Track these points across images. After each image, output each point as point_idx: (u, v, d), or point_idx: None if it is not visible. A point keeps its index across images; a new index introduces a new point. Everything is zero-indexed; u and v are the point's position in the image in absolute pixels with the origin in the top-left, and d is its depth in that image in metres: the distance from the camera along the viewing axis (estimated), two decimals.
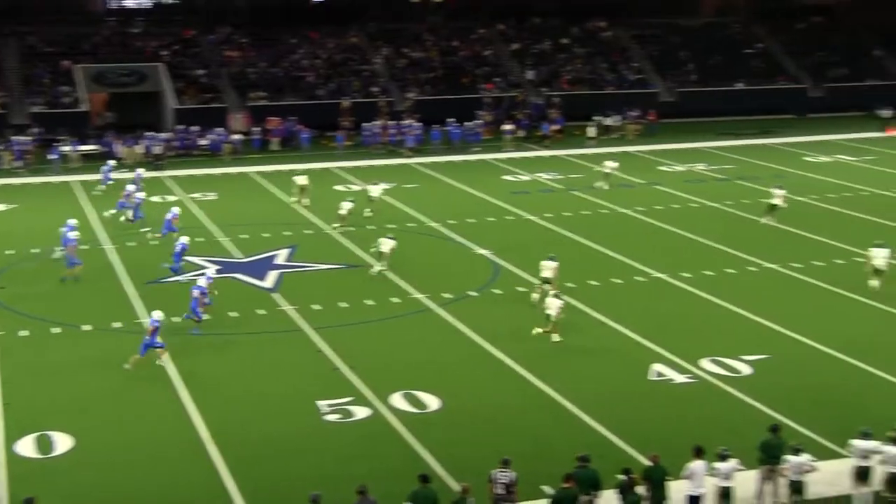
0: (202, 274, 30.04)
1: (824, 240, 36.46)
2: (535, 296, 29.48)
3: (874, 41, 74.15)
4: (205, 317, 28.10)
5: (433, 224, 39.39)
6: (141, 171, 44.77)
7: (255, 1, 71.20)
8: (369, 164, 51.89)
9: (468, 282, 32.11)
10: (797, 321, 28.04)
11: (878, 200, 42.97)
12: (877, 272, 30.91)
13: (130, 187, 39.91)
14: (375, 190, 41.39)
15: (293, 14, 70.52)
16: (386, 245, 32.76)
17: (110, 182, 45.02)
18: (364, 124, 57.54)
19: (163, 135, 54.99)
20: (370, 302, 30.16)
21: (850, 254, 34.56)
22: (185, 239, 32.99)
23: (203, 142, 55.12)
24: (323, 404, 22.98)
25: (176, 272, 32.08)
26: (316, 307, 29.55)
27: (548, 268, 29.97)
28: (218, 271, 32.71)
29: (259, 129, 57.68)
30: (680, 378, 24.38)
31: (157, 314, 25.50)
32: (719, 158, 53.64)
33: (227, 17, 68.90)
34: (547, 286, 29.21)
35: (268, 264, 33.84)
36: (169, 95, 60.07)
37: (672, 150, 56.07)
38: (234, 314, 29.01)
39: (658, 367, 25.02)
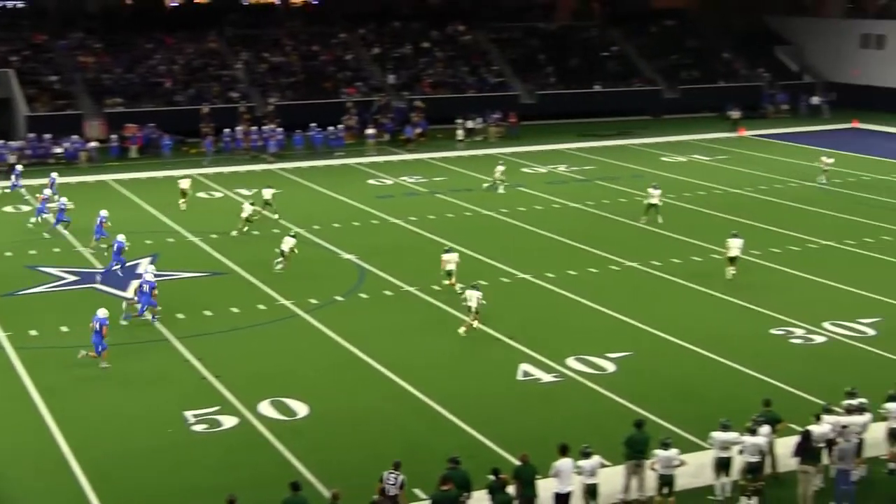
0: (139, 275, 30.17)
1: (682, 238, 37.45)
2: (460, 291, 29.45)
3: (724, 44, 76.56)
4: (147, 315, 28.63)
5: (298, 229, 39.03)
6: (55, 175, 44.84)
7: (108, 5, 69.57)
8: (232, 171, 51.19)
9: (335, 287, 31.97)
10: (658, 318, 28.75)
11: (731, 198, 44.35)
12: (731, 260, 32.32)
13: (47, 192, 40.52)
14: (267, 193, 41.38)
15: (147, 19, 69.12)
16: (287, 244, 33.36)
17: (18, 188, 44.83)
18: (225, 130, 56.75)
19: (14, 143, 53.32)
20: (235, 310, 29.76)
21: (707, 251, 35.59)
22: (121, 237, 33.17)
23: (58, 150, 53.60)
24: (190, 415, 22.60)
25: (119, 268, 32.67)
26: (180, 316, 29.03)
27: (450, 261, 30.74)
28: (77, 283, 31.88)
29: (116, 136, 56.37)
30: (547, 377, 24.73)
31: (103, 312, 25.43)
32: (579, 159, 54.63)
33: (79, 22, 67.06)
34: (448, 280, 30.20)
35: (129, 274, 33.08)
36: (20, 102, 58.18)
37: (533, 151, 56.87)
38: None
39: (525, 366, 25.33)
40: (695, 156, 55.63)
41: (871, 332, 27.65)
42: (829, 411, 19.80)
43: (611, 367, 25.27)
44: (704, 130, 63.63)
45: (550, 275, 32.91)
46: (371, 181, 49.08)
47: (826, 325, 28.10)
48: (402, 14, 74.38)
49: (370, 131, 57.64)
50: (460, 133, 59.22)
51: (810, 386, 23.65)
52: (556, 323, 28.79)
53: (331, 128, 57.89)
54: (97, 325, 25.31)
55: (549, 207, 42.94)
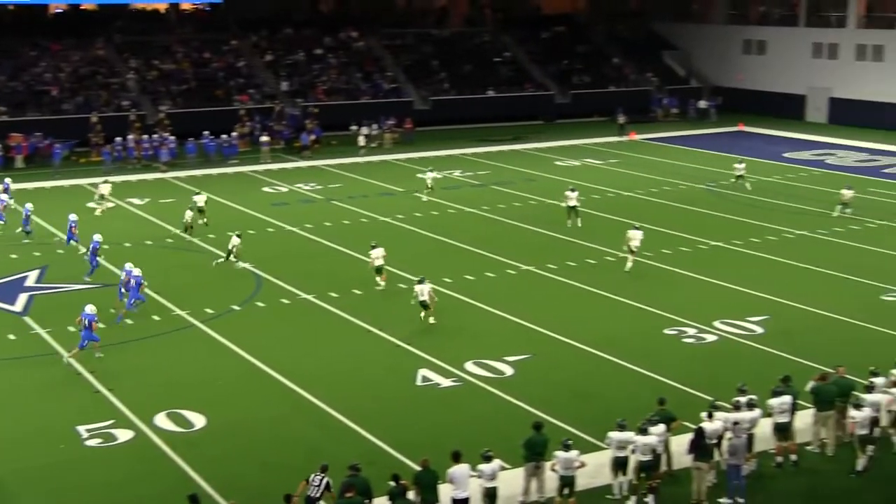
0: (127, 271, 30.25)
1: (577, 241, 37.92)
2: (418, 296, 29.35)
3: (614, 49, 77.84)
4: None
5: (192, 238, 38.55)
6: (8, 181, 45.27)
7: None
8: (123, 180, 50.21)
9: (231, 296, 31.63)
10: (555, 320, 29.07)
11: (624, 201, 45.08)
12: (631, 251, 33.68)
13: (3, 196, 41.15)
14: (200, 199, 41.07)
15: (31, 25, 67.48)
16: (231, 242, 34.55)
17: None
18: (117, 139, 55.67)
19: None
20: (129, 321, 29.23)
21: (602, 253, 36.13)
22: (97, 237, 33.72)
23: None
24: (83, 429, 22.11)
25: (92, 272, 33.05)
26: (72, 329, 28.35)
27: (378, 257, 31.62)
28: None
29: (1, 145, 54.90)
30: (446, 382, 24.81)
31: (91, 308, 26.14)
32: (474, 164, 54.97)
33: None
34: (379, 277, 31.33)
35: (17, 287, 32.26)
36: None
37: (429, 157, 57.03)
38: None
39: (424, 371, 25.39)
40: (587, 160, 56.40)
41: (759, 329, 28.35)
42: (716, 408, 20.27)
43: (509, 371, 25.45)
44: (596, 134, 64.65)
45: (448, 279, 33.03)
46: (266, 189, 48.67)
47: (717, 323, 28.73)
48: (295, 21, 73.97)
49: (264, 139, 57.14)
50: (362, 139, 58.99)
51: (703, 384, 24.16)
52: (454, 327, 28.88)
53: (224, 136, 57.27)
54: (86, 322, 25.94)
55: (445, 212, 43.09)
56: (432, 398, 23.96)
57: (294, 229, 40.46)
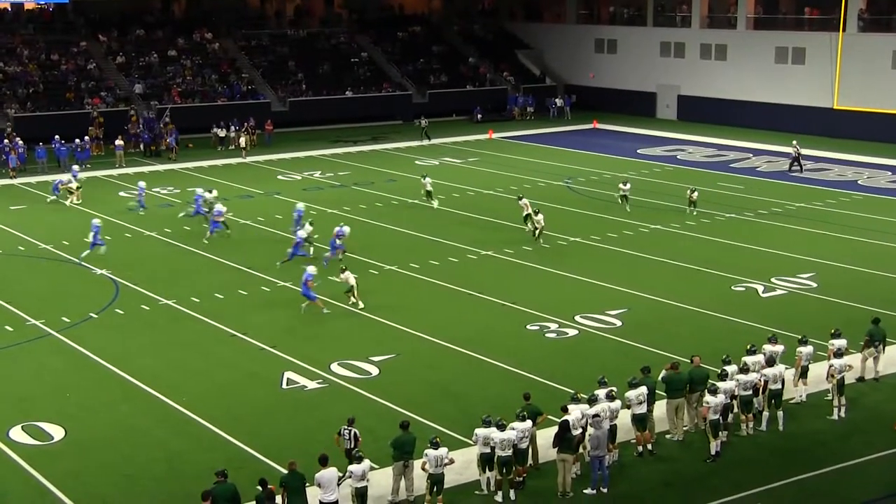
0: None
1: (440, 240, 38.09)
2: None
3: (469, 49, 78.53)
4: None
5: (46, 246, 37.43)
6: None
7: None
8: None
9: (89, 304, 30.82)
10: (420, 320, 29.18)
11: (484, 200, 45.52)
12: (525, 218, 37.78)
13: None
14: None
15: None
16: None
17: None
18: None
19: None
20: None
21: (463, 251, 36.41)
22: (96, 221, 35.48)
23: None
24: None
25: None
26: None
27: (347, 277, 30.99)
28: None
29: None
30: (311, 384, 24.65)
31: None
32: (334, 165, 54.76)
33: None
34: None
35: None
36: None
37: (288, 159, 56.63)
38: None
39: (289, 374, 25.18)
40: (446, 159, 56.78)
41: (618, 322, 28.97)
42: (576, 400, 20.65)
43: (374, 371, 25.43)
44: (455, 133, 65.15)
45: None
46: (122, 193, 47.54)
47: (578, 318, 29.23)
48: (146, 22, 72.42)
49: (118, 142, 55.74)
50: (243, 141, 58.03)
51: (565, 378, 24.56)
52: (319, 329, 28.74)
53: (77, 140, 55.67)
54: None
55: (307, 214, 42.76)
56: (298, 401, 23.78)
57: (152, 234, 39.65)
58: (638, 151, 58.66)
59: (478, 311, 30.49)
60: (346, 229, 35.58)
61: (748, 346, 22.95)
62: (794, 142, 52.52)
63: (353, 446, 19.34)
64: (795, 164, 51.37)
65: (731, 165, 53.92)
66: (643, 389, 20.93)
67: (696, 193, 42.61)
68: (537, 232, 37.47)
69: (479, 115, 70.36)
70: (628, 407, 20.93)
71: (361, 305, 30.24)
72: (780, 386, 22.04)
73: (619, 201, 42.98)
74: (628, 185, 43.53)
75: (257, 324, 28.87)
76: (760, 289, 32.09)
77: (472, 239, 37.04)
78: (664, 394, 21.86)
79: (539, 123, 70.06)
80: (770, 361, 22.28)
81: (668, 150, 59.09)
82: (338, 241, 35.33)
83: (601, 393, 20.71)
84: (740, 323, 28.81)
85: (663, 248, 37.05)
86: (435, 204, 43.24)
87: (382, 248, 36.91)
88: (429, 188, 43.49)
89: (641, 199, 44.97)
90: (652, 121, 70.41)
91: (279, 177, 51.21)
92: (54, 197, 45.20)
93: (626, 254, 36.50)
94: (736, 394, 21.41)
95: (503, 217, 40.44)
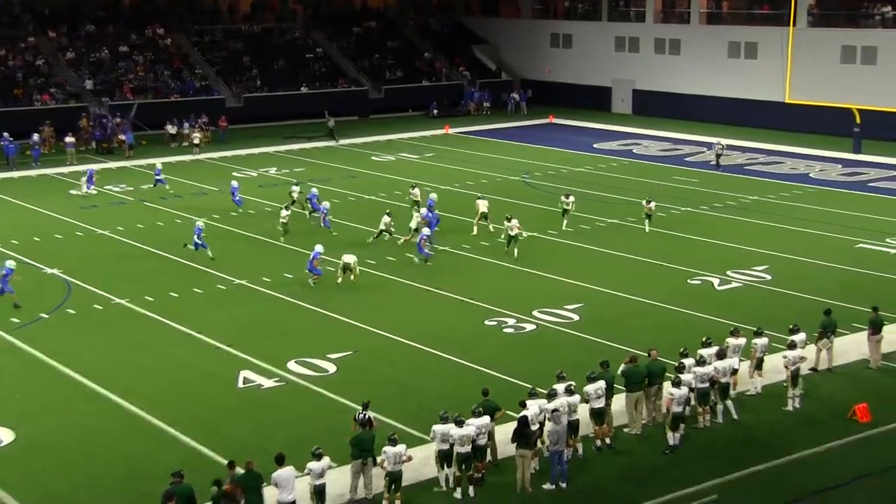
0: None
1: (398, 235, 38.02)
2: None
3: (425, 44, 78.47)
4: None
5: None
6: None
7: None
8: None
9: (39, 304, 30.46)
10: (377, 316, 29.14)
11: (441, 196, 45.34)
12: (484, 216, 37.96)
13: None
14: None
15: None
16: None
17: None
18: None
19: None
20: None
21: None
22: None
23: None
24: None
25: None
26: None
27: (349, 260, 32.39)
28: None
29: None
30: (268, 383, 24.54)
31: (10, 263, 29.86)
32: (290, 162, 54.53)
33: None
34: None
35: None
36: None
37: (243, 155, 56.32)
38: None
39: (245, 373, 25.05)
40: (403, 154, 56.72)
41: (575, 317, 29.09)
42: (534, 395, 20.72)
43: (332, 368, 25.37)
44: (411, 129, 65.09)
45: (267, 279, 32.72)
46: (73, 191, 47.02)
47: (535, 312, 29.32)
48: (97, 17, 71.68)
49: (69, 140, 55.10)
50: (196, 137, 57.55)
51: (525, 373, 24.62)
52: (274, 328, 28.61)
53: (35, 136, 54.92)
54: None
55: (263, 211, 42.62)
56: (255, 400, 23.65)
57: (105, 232, 39.26)
58: (594, 146, 58.89)
59: (435, 306, 30.49)
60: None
61: (704, 339, 23.16)
62: (718, 140, 52.81)
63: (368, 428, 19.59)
64: (716, 160, 51.73)
65: (687, 159, 54.28)
66: (601, 383, 21.04)
67: (652, 204, 39.13)
68: (510, 240, 35.25)
69: (436, 111, 70.37)
70: (587, 401, 21.02)
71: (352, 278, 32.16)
72: (727, 379, 22.24)
73: (561, 215, 39.24)
74: (571, 199, 39.44)
75: (213, 322, 28.68)
76: (716, 282, 32.35)
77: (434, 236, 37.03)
78: (623, 388, 21.98)
79: (495, 118, 70.16)
80: (720, 354, 22.49)
81: (624, 145, 59.39)
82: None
83: (560, 387, 20.78)
84: (697, 316, 29.01)
85: (619, 242, 37.23)
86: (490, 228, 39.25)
87: (341, 245, 36.76)
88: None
89: (597, 194, 45.18)
90: (608, 115, 70.73)
91: (234, 173, 50.88)
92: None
93: (583, 248, 36.65)
94: (693, 386, 21.58)
95: (460, 213, 40.43)
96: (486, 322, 28.76)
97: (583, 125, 66.97)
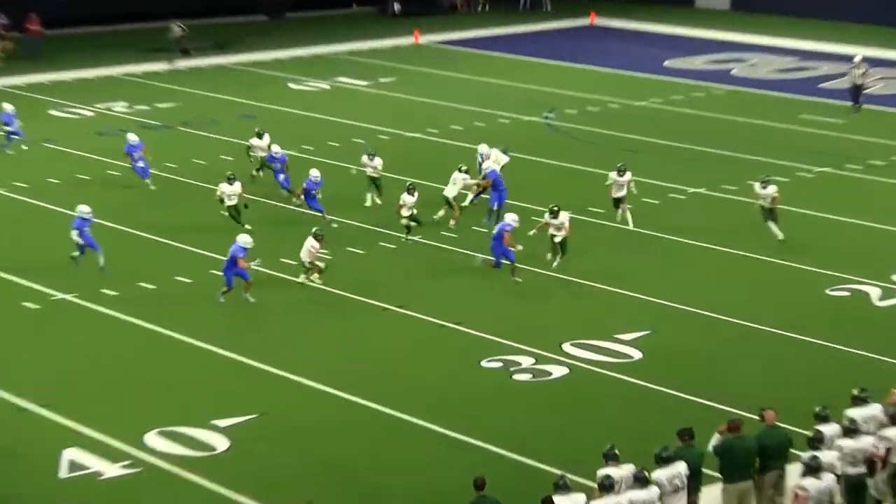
0: None
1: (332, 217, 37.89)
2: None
3: None
4: None
5: None
6: None
7: None
8: None
9: None
10: (291, 349, 29.14)
11: (401, 148, 45.28)
12: (450, 205, 37.57)
13: None
14: None
15: None
16: None
17: None
18: None
19: None
20: None
21: (369, 238, 36.32)
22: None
23: None
24: None
25: None
26: None
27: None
28: None
29: None
30: (112, 469, 24.43)
31: None
32: (150, 92, 54.63)
33: None
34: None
35: None
36: None
37: (69, 80, 56.46)
38: None
39: (72, 454, 24.94)
40: (343, 79, 56.76)
41: (635, 353, 28.99)
42: (563, 488, 20.47)
43: (221, 444, 25.28)
44: (356, 37, 65.03)
45: (111, 291, 32.78)
46: None
47: (567, 347, 29.25)
48: None
49: None
50: None
51: (547, 447, 24.48)
52: (126, 377, 28.59)
53: None
54: None
55: (103, 175, 42.42)
56: (89, 495, 23.55)
57: None
58: (665, 65, 58.97)
59: (395, 332, 30.69)
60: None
61: (856, 391, 22.92)
62: (857, 58, 51.81)
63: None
64: (858, 93, 50.89)
65: (821, 86, 54.25)
66: (680, 467, 20.81)
67: (770, 189, 35.88)
68: (555, 249, 34.45)
69: (397, 6, 70.05)
70: (660, 499, 20.83)
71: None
72: None
73: (614, 205, 37.89)
74: (628, 177, 37.42)
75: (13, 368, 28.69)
76: (875, 293, 32.42)
77: (382, 216, 36.86)
78: (718, 473, 21.80)
79: (498, 19, 70.25)
80: (894, 417, 22.27)
81: (716, 62, 59.54)
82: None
83: (617, 474, 20.52)
84: (841, 350, 29.01)
85: (709, 225, 37.05)
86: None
87: (221, 232, 36.59)
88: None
89: (672, 146, 45.10)
90: (689, 11, 70.82)
91: (52, 111, 50.69)
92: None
93: (648, 237, 36.52)
94: (840, 472, 21.37)
95: (441, 176, 40.26)
96: (484, 363, 28.64)
97: (646, 29, 67.01)
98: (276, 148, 39.53)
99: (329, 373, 28.20)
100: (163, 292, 32.58)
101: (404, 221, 36.05)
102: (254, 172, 41.07)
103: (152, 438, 25.45)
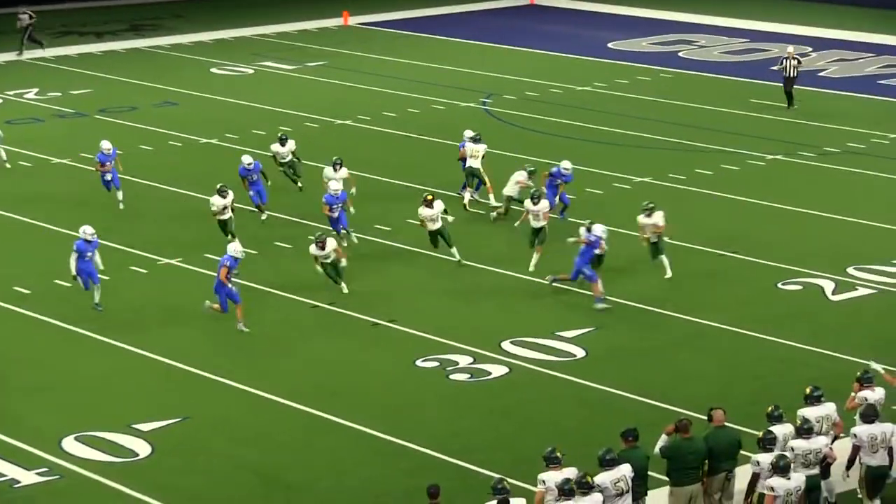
0: None
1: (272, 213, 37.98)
2: None
3: None
4: None
5: None
6: None
7: None
8: None
9: None
10: (232, 353, 29.36)
11: (334, 136, 45.45)
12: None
13: None
14: None
15: None
16: None
17: None
18: None
19: None
20: None
21: (297, 234, 36.36)
22: None
23: None
24: None
25: None
26: None
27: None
28: None
29: None
30: (28, 476, 24.47)
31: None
32: (62, 77, 54.61)
33: None
34: None
35: None
36: None
37: None
38: None
39: None
40: (266, 63, 56.77)
41: (577, 351, 29.19)
42: (501, 492, 20.66)
43: (143, 449, 25.34)
44: (282, 17, 64.93)
45: (23, 290, 32.99)
46: None
47: (506, 345, 29.39)
48: None
49: None
50: None
51: (485, 453, 24.64)
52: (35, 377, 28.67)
53: None
54: None
55: (17, 166, 42.41)
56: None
57: None
58: (609, 46, 59.12)
59: (326, 331, 30.91)
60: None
61: (809, 389, 23.09)
62: (790, 48, 51.76)
63: None
64: (791, 75, 50.69)
65: (774, 68, 54.59)
66: (625, 470, 20.97)
67: (656, 217, 34.25)
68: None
69: None
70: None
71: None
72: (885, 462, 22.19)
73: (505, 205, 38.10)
74: (524, 176, 37.81)
75: None
76: (829, 286, 32.76)
77: (306, 211, 36.99)
78: (664, 476, 22.01)
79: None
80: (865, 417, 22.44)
81: (663, 43, 59.68)
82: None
83: (551, 478, 20.66)
84: (794, 347, 29.30)
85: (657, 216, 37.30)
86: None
87: (159, 231, 36.68)
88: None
89: (615, 132, 45.36)
90: None
91: None
92: None
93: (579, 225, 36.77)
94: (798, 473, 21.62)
95: (375, 167, 40.42)
96: (419, 363, 28.86)
97: (589, 8, 67.17)
98: (247, 158, 37.66)
99: (256, 374, 28.33)
100: (77, 288, 32.45)
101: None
102: (300, 184, 39.92)
103: (70, 443, 25.51)
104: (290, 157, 39.83)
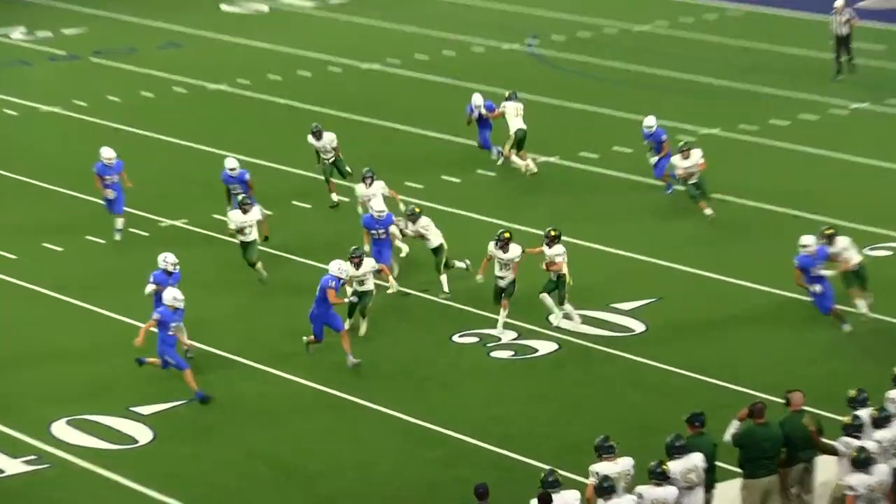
0: None
1: (289, 169, 37.96)
2: None
3: None
4: None
5: None
6: None
7: None
8: None
9: None
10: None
11: (369, 82, 45.42)
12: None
13: None
14: None
15: None
16: None
17: None
18: None
19: None
20: None
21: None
22: None
23: None
24: None
25: None
26: None
27: None
28: None
29: None
30: (13, 465, 24.49)
31: None
32: (54, 16, 54.70)
33: None
34: None
35: None
36: None
37: None
38: None
39: None
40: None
41: (637, 325, 29.14)
42: (554, 485, 20.59)
43: (144, 435, 25.35)
44: None
45: (10, 255, 32.94)
46: None
47: (554, 318, 29.37)
48: None
49: None
50: None
51: (526, 441, 24.61)
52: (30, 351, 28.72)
53: None
54: None
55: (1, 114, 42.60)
56: None
57: None
58: None
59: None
60: None
61: None
62: (837, 3, 50.77)
63: None
64: (843, 50, 49.73)
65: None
66: (696, 459, 20.91)
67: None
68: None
69: None
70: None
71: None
72: None
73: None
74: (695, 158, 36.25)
75: None
76: None
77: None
78: (736, 467, 21.94)
79: None
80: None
81: None
82: None
83: (613, 470, 20.60)
84: (882, 321, 29.27)
85: (725, 172, 37.25)
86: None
87: (161, 192, 36.75)
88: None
89: (678, 77, 45.29)
90: None
91: None
92: None
93: (653, 185, 36.75)
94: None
95: (404, 117, 40.38)
96: (456, 338, 28.92)
97: None
98: (231, 163, 34.74)
99: (269, 349, 28.45)
100: (70, 253, 32.51)
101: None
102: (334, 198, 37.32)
103: (61, 428, 25.58)
104: (332, 154, 37.15)
